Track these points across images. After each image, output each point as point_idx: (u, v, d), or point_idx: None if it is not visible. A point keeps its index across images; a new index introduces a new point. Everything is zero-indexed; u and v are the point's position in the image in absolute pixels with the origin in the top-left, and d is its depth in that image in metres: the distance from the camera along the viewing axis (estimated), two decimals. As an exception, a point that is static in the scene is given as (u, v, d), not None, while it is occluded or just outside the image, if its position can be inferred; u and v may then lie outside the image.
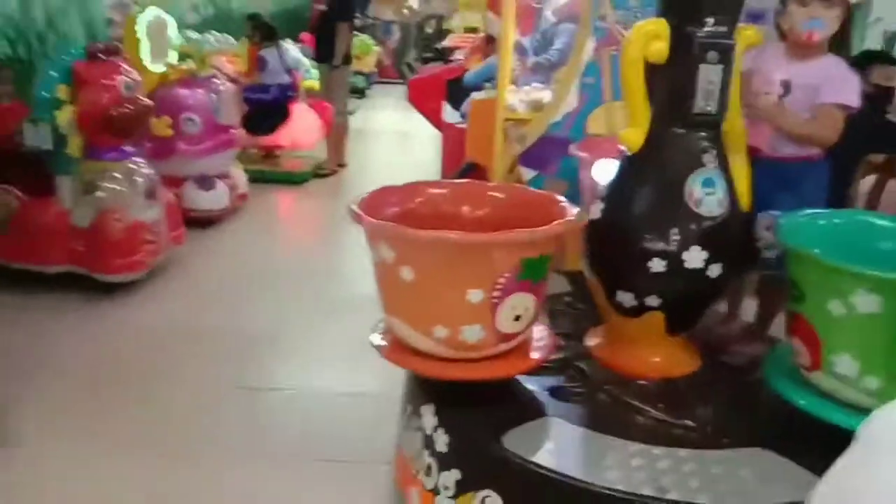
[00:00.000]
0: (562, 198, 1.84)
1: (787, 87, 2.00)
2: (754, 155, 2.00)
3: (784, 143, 2.02)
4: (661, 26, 1.79)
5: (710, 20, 1.75)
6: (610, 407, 1.82)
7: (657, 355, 1.95)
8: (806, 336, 1.61)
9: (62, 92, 3.39)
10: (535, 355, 1.80)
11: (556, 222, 1.66)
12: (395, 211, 1.83)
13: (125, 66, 3.64)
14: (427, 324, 1.66)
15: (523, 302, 1.66)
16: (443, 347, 1.67)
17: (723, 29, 1.77)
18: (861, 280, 1.49)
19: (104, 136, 3.53)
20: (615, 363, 1.96)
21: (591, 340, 2.09)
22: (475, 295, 1.58)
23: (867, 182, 3.85)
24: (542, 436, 1.70)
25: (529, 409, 1.78)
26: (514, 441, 1.63)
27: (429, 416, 1.80)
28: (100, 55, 3.51)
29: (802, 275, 1.60)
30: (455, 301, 1.60)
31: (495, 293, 1.59)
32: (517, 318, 1.67)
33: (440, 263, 1.60)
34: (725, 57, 1.76)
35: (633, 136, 1.84)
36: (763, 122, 2.00)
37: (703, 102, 1.77)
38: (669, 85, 1.81)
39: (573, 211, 1.74)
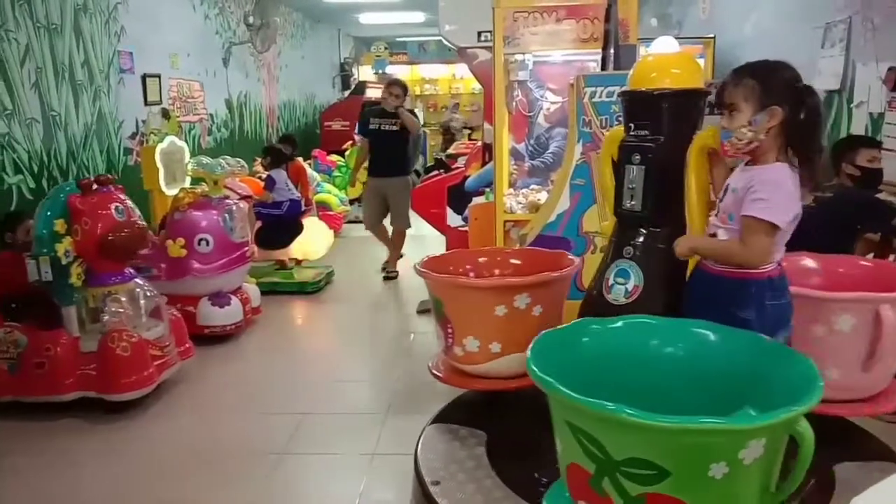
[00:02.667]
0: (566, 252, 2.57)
1: (725, 191, 1.89)
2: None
3: None
4: (621, 132, 1.94)
5: (632, 125, 1.90)
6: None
7: None
8: None
9: (59, 226, 3.54)
10: None
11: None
12: (472, 273, 2.55)
13: (117, 193, 3.81)
14: None
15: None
16: None
17: (643, 133, 1.89)
18: (756, 432, 1.34)
19: (104, 261, 3.68)
20: None
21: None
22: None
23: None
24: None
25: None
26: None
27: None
28: (92, 186, 3.69)
29: (661, 452, 1.35)
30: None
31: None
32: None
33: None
34: (646, 158, 1.88)
35: (606, 228, 2.13)
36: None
37: (627, 199, 1.90)
38: (618, 184, 1.98)
39: (576, 259, 2.41)
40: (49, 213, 3.57)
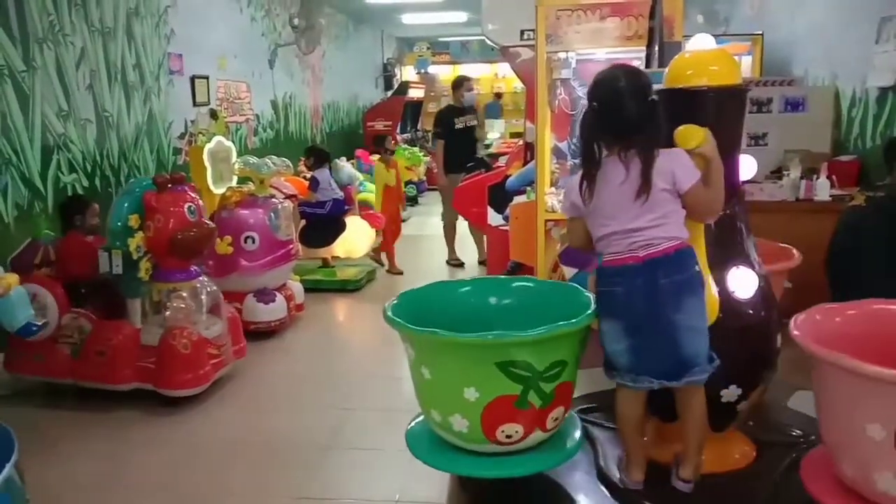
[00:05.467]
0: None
1: None
2: None
3: None
4: None
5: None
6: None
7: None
8: (567, 395, 1.95)
9: (134, 221, 3.65)
10: None
11: None
12: None
13: (190, 192, 3.91)
14: None
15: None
16: None
17: None
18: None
19: (172, 258, 3.77)
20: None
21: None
22: None
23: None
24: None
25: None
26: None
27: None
28: (167, 185, 3.79)
29: (570, 348, 1.88)
30: None
31: None
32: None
33: None
34: None
35: None
36: None
37: None
38: None
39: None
40: (125, 208, 3.67)
